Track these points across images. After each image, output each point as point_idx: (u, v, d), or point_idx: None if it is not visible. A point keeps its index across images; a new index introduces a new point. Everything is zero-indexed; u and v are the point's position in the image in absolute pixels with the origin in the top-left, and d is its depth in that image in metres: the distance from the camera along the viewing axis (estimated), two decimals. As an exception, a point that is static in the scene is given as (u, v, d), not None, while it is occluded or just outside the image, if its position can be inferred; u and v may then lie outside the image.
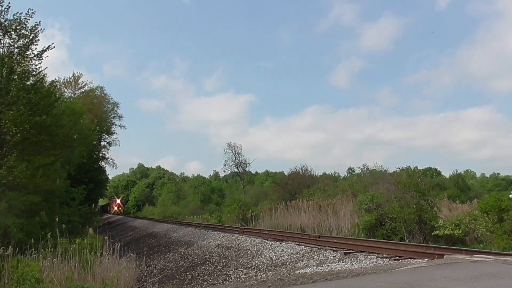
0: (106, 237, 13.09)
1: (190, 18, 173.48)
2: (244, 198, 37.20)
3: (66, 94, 38.41)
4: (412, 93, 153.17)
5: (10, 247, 9.28)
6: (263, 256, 13.41)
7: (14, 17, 15.70)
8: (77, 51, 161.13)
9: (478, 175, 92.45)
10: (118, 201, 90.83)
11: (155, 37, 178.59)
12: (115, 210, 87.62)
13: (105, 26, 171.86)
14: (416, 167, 21.16)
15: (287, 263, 11.71)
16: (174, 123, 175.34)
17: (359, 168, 39.00)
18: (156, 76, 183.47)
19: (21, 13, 15.82)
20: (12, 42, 15.86)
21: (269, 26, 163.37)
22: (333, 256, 11.23)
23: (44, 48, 16.58)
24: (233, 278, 11.68)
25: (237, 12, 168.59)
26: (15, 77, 15.96)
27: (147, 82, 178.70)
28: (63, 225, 12.02)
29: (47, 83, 18.13)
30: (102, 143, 48.97)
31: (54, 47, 16.91)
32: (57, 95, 18.65)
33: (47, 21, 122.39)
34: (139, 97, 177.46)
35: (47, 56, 16.76)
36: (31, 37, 16.07)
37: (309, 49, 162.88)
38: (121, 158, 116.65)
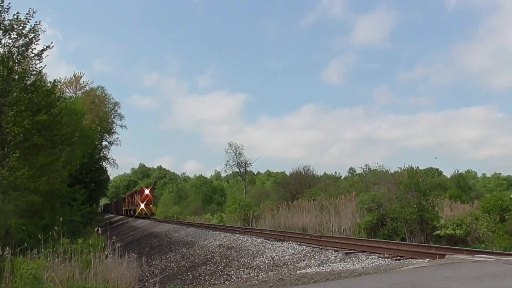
0: (107, 237, 13.10)
1: (181, 15, 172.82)
2: (245, 198, 37.19)
3: (67, 94, 38.55)
4: (409, 90, 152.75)
5: (8, 247, 9.29)
6: (264, 256, 13.39)
7: (14, 17, 15.71)
8: (67, 46, 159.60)
9: (479, 175, 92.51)
10: (147, 191, 50.68)
11: (145, 33, 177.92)
12: (142, 209, 48.52)
13: (94, 21, 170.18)
14: (418, 167, 21.14)
15: (289, 263, 11.69)
16: (168, 122, 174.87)
17: (361, 167, 39.10)
18: (148, 73, 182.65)
19: (19, 13, 15.85)
20: (12, 41, 15.87)
21: (262, 23, 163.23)
22: (335, 256, 11.21)
23: (44, 48, 16.61)
24: (234, 278, 11.67)
25: (230, 9, 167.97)
26: (16, 77, 15.97)
27: (138, 79, 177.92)
28: (65, 225, 12.04)
29: (48, 83, 18.15)
30: (103, 143, 49.16)
31: (53, 46, 16.97)
32: (57, 95, 18.60)
33: (39, 15, 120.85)
34: (130, 94, 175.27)
35: (47, 55, 16.82)
36: (31, 37, 16.08)
37: (302, 46, 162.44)
38: (117, 157, 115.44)
